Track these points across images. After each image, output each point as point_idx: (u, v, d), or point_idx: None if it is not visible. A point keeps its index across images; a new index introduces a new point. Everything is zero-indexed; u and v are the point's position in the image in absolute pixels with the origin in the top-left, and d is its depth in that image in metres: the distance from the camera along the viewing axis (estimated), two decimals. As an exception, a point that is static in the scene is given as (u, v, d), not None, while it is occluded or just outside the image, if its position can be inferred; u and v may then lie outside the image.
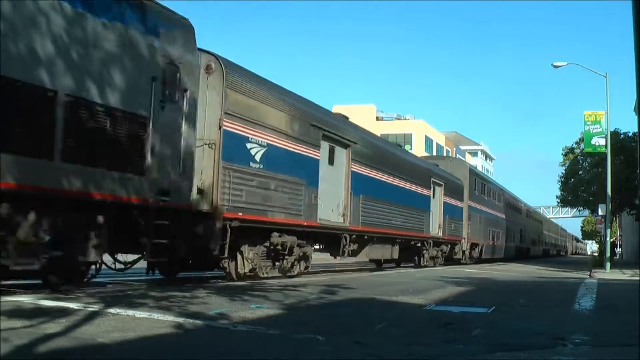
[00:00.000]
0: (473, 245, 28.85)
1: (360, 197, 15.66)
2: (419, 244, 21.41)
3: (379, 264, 22.11)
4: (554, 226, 79.61)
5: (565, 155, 45.18)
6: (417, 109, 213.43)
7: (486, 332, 5.94)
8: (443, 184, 23.68)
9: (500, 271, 21.99)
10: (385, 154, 18.44)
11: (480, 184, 31.93)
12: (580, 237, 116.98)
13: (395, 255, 19.45)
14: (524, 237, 47.19)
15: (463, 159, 28.82)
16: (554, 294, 11.90)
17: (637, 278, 18.79)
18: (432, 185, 22.32)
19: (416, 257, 22.01)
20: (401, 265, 22.43)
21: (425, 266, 21.80)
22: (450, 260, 26.22)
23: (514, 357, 4.79)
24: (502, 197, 38.30)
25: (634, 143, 33.40)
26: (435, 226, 22.88)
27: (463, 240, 26.83)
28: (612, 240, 38.50)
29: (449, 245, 25.06)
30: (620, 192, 33.07)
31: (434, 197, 22.61)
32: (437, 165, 25.14)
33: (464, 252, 27.14)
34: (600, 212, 32.59)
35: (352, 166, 15.32)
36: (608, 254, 26.44)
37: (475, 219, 29.08)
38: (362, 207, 15.75)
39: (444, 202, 23.78)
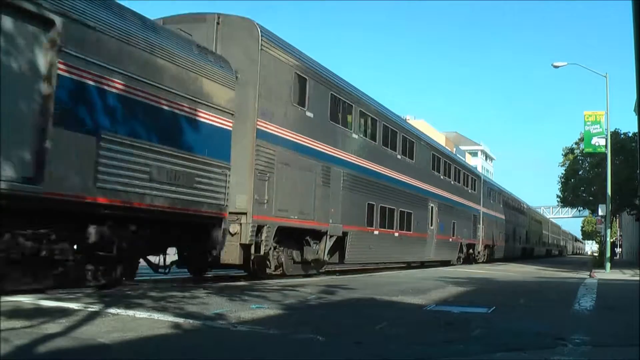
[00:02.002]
0: (297, 234, 13.08)
1: None
2: None
3: None
4: (544, 220, 67.05)
5: (565, 155, 45.19)
6: (418, 109, 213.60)
7: (486, 332, 5.93)
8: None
9: (500, 271, 22.00)
10: None
11: (328, 94, 14.22)
12: (580, 237, 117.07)
13: None
14: (486, 229, 32.53)
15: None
16: (554, 294, 11.89)
17: (637, 278, 18.77)
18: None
19: None
20: None
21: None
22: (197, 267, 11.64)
23: (514, 357, 4.79)
24: (426, 152, 23.01)
25: (634, 143, 33.42)
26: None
27: (241, 220, 11.04)
28: (612, 240, 38.47)
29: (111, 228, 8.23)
30: (620, 192, 33.08)
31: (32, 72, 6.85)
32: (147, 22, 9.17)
33: (248, 246, 11.13)
34: (600, 212, 32.61)
35: None
36: (608, 254, 26.43)
37: (302, 173, 12.89)
38: None
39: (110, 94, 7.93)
